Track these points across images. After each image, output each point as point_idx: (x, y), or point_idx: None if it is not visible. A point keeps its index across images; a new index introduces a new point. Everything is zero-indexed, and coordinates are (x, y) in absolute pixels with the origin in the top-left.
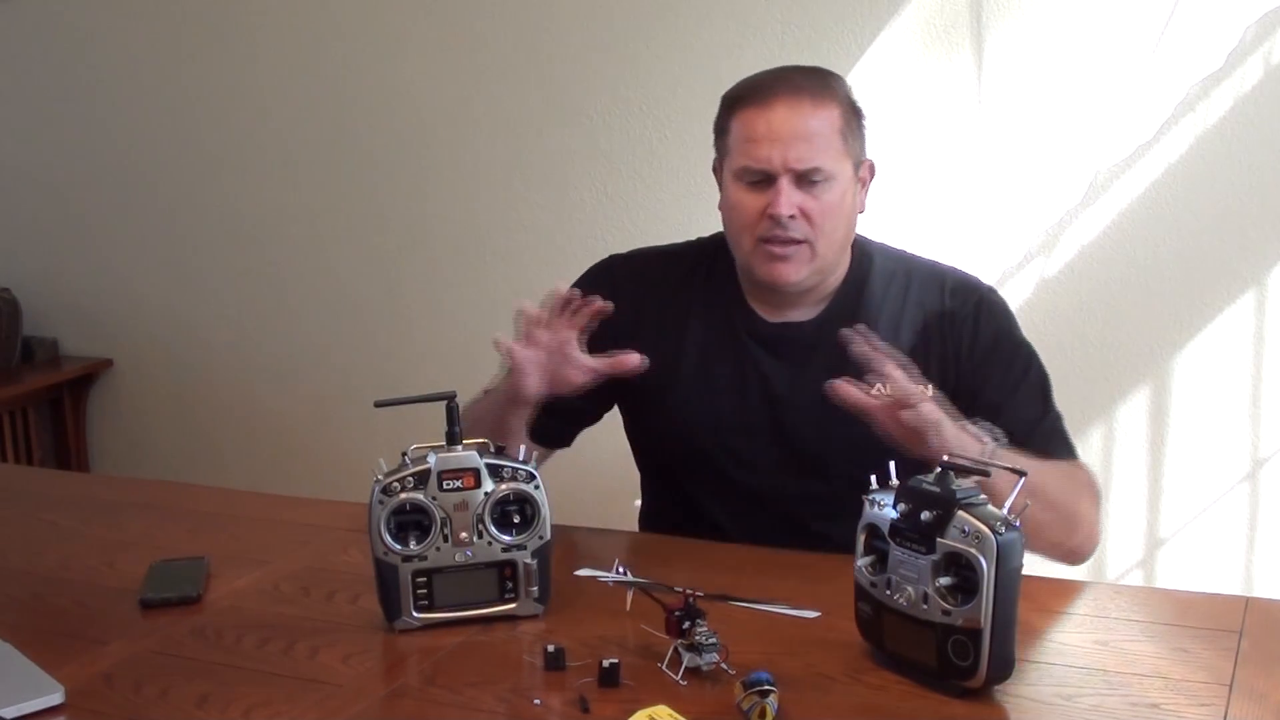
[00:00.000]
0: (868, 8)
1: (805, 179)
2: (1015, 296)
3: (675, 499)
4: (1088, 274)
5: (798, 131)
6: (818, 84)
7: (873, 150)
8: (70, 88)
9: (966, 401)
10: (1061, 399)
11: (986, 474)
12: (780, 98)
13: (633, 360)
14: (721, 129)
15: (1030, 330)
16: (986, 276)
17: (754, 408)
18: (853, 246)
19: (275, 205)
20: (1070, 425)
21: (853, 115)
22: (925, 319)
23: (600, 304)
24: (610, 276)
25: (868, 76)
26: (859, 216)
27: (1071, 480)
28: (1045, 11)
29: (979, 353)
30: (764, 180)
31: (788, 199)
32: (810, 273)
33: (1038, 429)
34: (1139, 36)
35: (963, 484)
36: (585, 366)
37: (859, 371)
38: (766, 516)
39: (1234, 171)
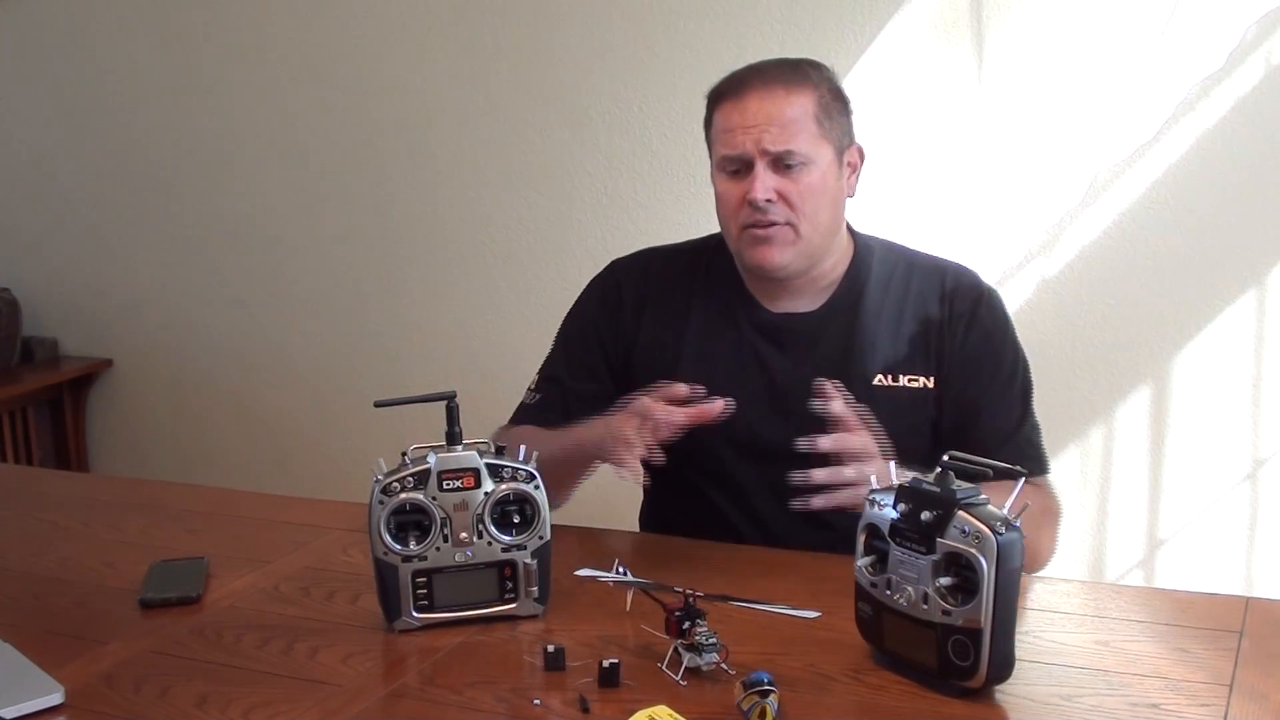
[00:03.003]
0: (868, 8)
1: (781, 162)
2: (1015, 296)
3: (679, 491)
4: (1088, 274)
5: (771, 117)
6: (791, 73)
7: (873, 150)
8: (70, 88)
9: (951, 401)
10: (1062, 399)
11: (988, 474)
12: (753, 88)
13: (716, 408)
14: (706, 125)
15: (1030, 330)
16: (986, 276)
17: (754, 396)
18: (854, 241)
19: (275, 206)
20: (1070, 425)
21: (832, 100)
22: (926, 314)
23: (720, 406)
24: (614, 282)
25: (868, 76)
26: (848, 201)
27: (1038, 510)
28: (1046, 11)
29: (968, 352)
30: (743, 169)
31: (763, 183)
32: (796, 255)
33: (1012, 439)
34: (1139, 36)
35: (963, 484)
36: (674, 426)
37: (860, 369)
38: (770, 506)
39: (1234, 171)
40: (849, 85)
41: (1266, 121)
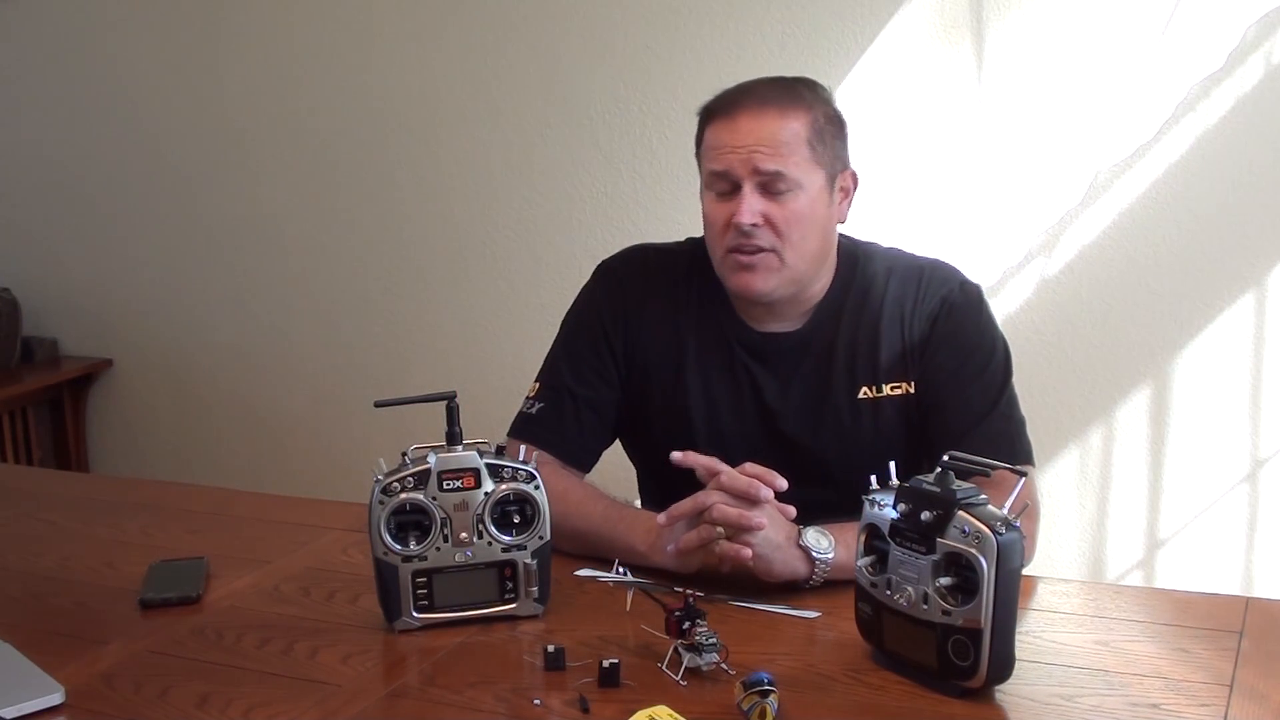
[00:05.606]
0: (868, 8)
1: (770, 187)
2: (1015, 296)
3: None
4: (1088, 274)
5: (761, 139)
6: (786, 94)
7: (873, 151)
8: (71, 88)
9: (921, 394)
10: (1062, 399)
11: (987, 474)
12: (746, 108)
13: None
14: (697, 141)
15: (1030, 330)
16: (986, 276)
17: (749, 419)
18: (842, 252)
19: (276, 206)
20: (1070, 425)
21: (827, 124)
22: (902, 316)
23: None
24: (616, 284)
25: (867, 77)
26: (839, 227)
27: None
28: (1045, 11)
29: (933, 345)
30: (731, 189)
31: (750, 206)
32: (781, 283)
33: (977, 428)
34: (1139, 36)
35: (963, 484)
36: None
37: (845, 384)
38: None
39: (1234, 171)
40: (849, 85)
41: (1266, 121)
